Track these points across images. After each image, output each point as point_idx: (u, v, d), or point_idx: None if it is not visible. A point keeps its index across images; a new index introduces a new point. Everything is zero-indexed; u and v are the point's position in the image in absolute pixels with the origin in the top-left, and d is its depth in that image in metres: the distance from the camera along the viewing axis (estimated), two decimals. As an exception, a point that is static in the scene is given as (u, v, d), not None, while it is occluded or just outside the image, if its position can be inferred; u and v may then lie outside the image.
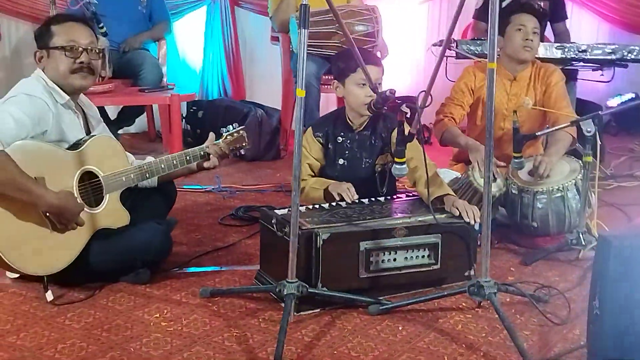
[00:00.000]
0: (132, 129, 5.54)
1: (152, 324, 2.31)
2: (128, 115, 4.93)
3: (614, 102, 6.06)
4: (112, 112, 5.01)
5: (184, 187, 3.95)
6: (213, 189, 4.00)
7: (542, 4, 4.95)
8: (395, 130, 2.56)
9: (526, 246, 3.14)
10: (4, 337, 2.19)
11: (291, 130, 4.92)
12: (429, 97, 2.39)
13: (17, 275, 2.61)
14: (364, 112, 2.86)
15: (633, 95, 6.15)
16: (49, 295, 2.45)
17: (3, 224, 2.33)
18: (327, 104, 5.24)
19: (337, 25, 4.25)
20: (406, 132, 2.49)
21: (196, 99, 5.36)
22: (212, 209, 3.69)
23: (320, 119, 3.22)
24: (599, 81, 4.91)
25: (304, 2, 2.16)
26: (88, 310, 2.40)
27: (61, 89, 2.61)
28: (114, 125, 4.60)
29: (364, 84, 2.82)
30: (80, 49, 2.62)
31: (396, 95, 2.48)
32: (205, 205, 3.78)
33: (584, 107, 4.60)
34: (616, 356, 1.54)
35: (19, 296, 2.51)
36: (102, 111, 3.96)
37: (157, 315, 2.38)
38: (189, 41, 5.91)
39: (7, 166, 2.28)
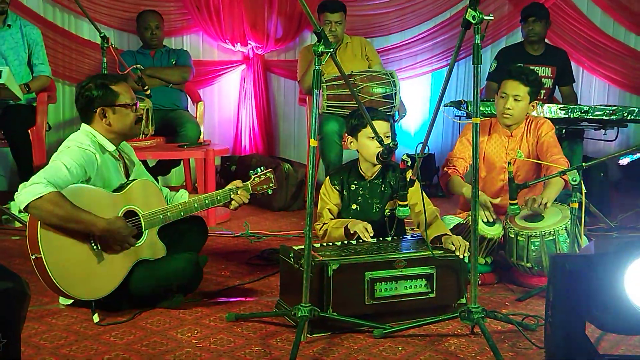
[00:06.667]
0: (171, 181, 6.00)
1: (184, 341, 2.68)
2: (165, 166, 5.39)
3: (625, 162, 6.35)
4: (150, 162, 5.46)
5: (216, 233, 4.37)
6: (242, 234, 4.41)
7: (549, 69, 5.37)
8: (402, 177, 2.96)
9: (523, 285, 3.46)
10: (60, 349, 2.57)
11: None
12: (426, 147, 2.80)
13: (70, 302, 3.00)
14: (375, 161, 3.25)
15: (646, 154, 6.43)
16: (96, 318, 2.83)
17: (58, 255, 2.74)
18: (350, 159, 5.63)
19: (357, 87, 4.72)
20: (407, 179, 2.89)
21: (229, 155, 5.82)
22: (240, 251, 4.08)
23: (336, 168, 3.63)
24: (604, 140, 5.25)
25: (317, 68, 2.58)
26: (129, 330, 2.78)
27: (111, 140, 3.02)
28: (152, 174, 5.03)
29: (373, 137, 3.21)
30: (139, 103, 3.12)
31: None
32: (234, 247, 4.18)
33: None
34: (563, 352, 1.88)
35: (70, 318, 2.90)
36: (143, 162, 4.39)
37: (189, 334, 2.75)
38: (225, 102, 6.41)
39: (62, 203, 2.70)
